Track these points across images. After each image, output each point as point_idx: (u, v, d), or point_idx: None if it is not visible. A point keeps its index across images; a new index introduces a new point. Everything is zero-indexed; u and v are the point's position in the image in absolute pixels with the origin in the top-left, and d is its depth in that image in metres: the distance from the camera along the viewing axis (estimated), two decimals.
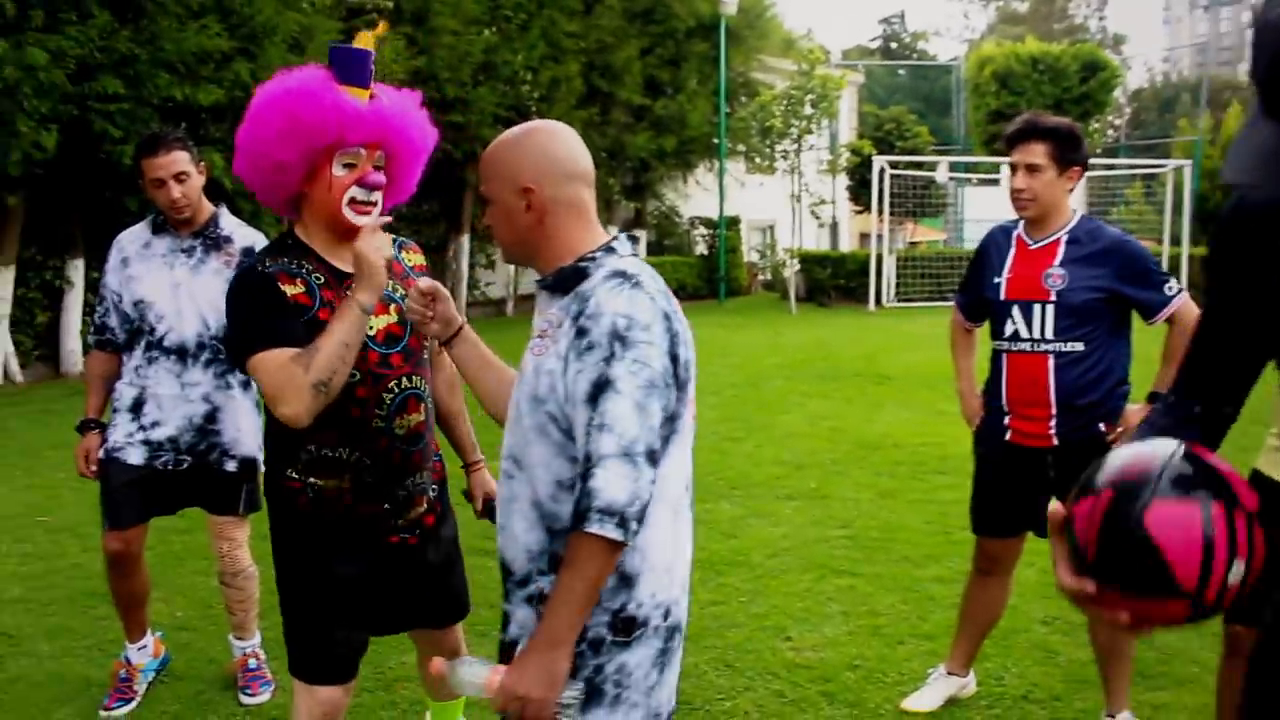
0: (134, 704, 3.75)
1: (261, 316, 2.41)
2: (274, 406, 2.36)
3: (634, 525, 1.82)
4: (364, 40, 2.55)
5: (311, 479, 2.54)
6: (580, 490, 1.83)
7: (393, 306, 2.57)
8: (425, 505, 2.68)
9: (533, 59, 16.48)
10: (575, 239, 2.05)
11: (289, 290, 2.44)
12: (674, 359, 1.93)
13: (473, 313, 18.36)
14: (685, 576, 2.10)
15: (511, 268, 19.27)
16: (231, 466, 3.72)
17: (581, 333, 1.89)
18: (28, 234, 11.52)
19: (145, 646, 3.90)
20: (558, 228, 2.04)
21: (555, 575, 1.91)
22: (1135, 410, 3.36)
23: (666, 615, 2.02)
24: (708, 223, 22.95)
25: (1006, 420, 3.47)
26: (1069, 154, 3.33)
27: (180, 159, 3.60)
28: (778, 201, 22.59)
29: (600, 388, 1.84)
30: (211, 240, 3.74)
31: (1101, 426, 3.33)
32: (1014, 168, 3.39)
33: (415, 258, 2.75)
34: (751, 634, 4.35)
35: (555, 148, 2.08)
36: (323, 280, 2.50)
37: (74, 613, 4.68)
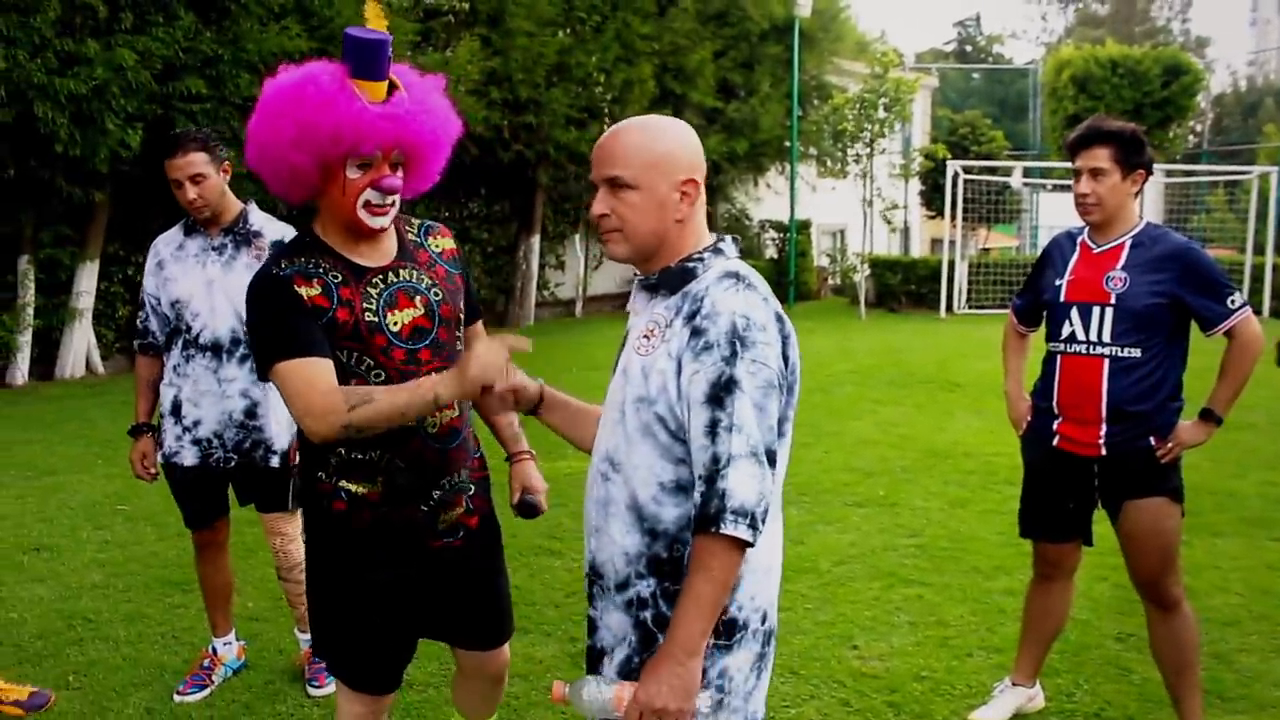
0: (208, 692, 3.84)
1: (281, 323, 2.31)
2: (298, 417, 2.28)
3: (761, 526, 1.81)
4: (375, 19, 2.38)
5: (343, 483, 2.43)
6: (708, 491, 1.80)
7: (418, 298, 2.46)
8: (465, 506, 2.56)
9: (606, 60, 16.53)
10: (694, 237, 2.03)
11: (305, 293, 2.34)
12: (785, 360, 1.94)
13: (541, 313, 18.45)
14: (779, 580, 2.08)
15: (580, 269, 19.36)
16: (275, 462, 3.75)
17: (698, 333, 1.87)
18: (111, 230, 11.82)
19: (230, 643, 4.01)
20: (693, 225, 2.03)
21: (655, 579, 1.91)
22: (1187, 426, 3.30)
23: (764, 619, 2.00)
24: (778, 226, 22.83)
25: (1056, 425, 3.42)
26: (1133, 157, 3.28)
27: (196, 160, 3.62)
28: (849, 205, 22.39)
29: (722, 388, 1.83)
30: (242, 236, 3.75)
31: (1152, 440, 3.26)
32: (1077, 173, 3.34)
33: (444, 242, 2.63)
34: (817, 641, 4.32)
35: (698, 143, 2.06)
36: (340, 279, 2.39)
37: (150, 599, 4.79)
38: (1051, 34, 66.57)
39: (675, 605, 1.84)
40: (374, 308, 2.40)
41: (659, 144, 1.99)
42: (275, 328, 2.32)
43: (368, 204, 2.37)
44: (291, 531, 3.84)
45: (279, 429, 3.74)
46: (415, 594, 2.53)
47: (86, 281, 11.61)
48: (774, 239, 23.06)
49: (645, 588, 1.94)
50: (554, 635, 4.39)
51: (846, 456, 7.69)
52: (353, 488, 2.43)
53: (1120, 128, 3.31)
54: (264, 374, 2.36)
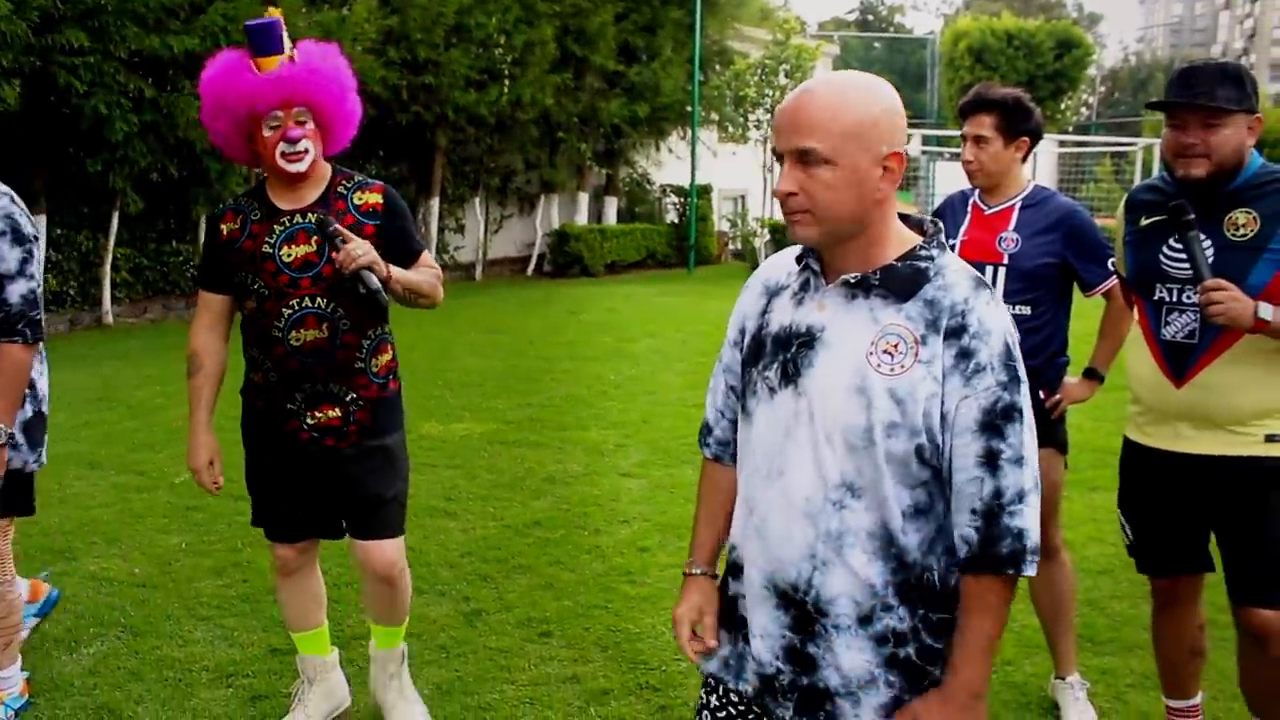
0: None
1: (205, 254, 3.21)
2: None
3: None
4: (273, 11, 3.01)
5: (249, 373, 3.13)
6: (994, 529, 1.69)
7: (314, 239, 2.97)
8: (340, 413, 3.04)
9: (506, 22, 16.32)
10: (891, 222, 1.79)
11: (225, 227, 3.06)
12: None
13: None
14: None
15: (480, 232, 19.17)
16: (16, 463, 3.28)
17: (967, 354, 1.69)
18: None
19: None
20: (888, 207, 1.77)
21: (908, 608, 1.76)
22: (1073, 383, 3.44)
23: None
24: (679, 191, 22.88)
25: None
26: (1016, 125, 3.37)
27: None
28: (750, 171, 22.58)
29: (1000, 415, 1.68)
30: None
31: (1041, 394, 3.38)
32: (964, 139, 3.43)
33: (370, 197, 3.08)
34: None
35: (901, 107, 1.77)
36: (259, 216, 3.03)
37: (32, 568, 4.65)
38: (950, 5, 67.74)
39: (962, 648, 1.73)
40: (273, 241, 2.99)
41: (859, 109, 1.69)
42: (203, 257, 3.22)
43: (283, 154, 2.93)
44: None
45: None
46: (292, 471, 3.13)
47: None
48: (675, 203, 23.11)
49: (899, 620, 1.77)
50: (448, 595, 4.39)
51: None
52: (252, 377, 3.13)
53: (1003, 95, 3.39)
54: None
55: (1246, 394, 2.74)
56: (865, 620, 1.77)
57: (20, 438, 3.27)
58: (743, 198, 25.63)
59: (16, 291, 3.04)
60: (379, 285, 2.88)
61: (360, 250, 2.84)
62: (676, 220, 22.85)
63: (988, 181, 3.43)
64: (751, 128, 20.70)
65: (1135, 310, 3.02)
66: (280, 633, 4.00)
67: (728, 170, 23.53)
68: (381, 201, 3.07)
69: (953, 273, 1.75)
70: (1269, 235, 2.68)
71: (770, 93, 19.88)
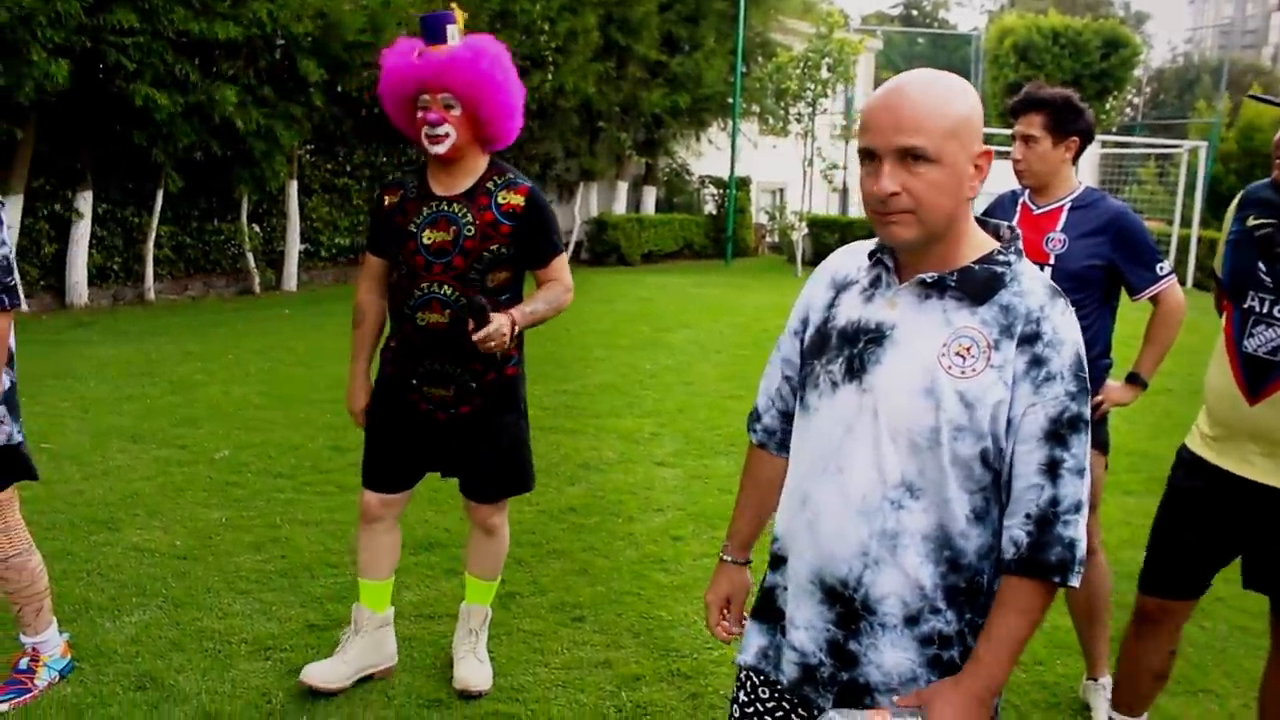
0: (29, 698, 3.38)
1: (371, 223, 3.54)
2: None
3: None
4: (452, 6, 3.31)
5: (389, 337, 3.43)
6: (1046, 536, 1.69)
7: (451, 228, 3.23)
8: (454, 393, 3.30)
9: (551, 9, 16.32)
10: (969, 224, 1.79)
11: (387, 200, 3.39)
12: None
13: None
14: None
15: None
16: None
17: (1039, 362, 1.69)
18: (36, 165, 11.50)
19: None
20: (970, 209, 1.78)
21: (955, 612, 1.77)
22: (1116, 386, 3.42)
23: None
24: (718, 182, 22.83)
25: None
26: (1065, 124, 3.35)
27: None
28: (790, 164, 22.45)
29: (1066, 425, 1.69)
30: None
31: None
32: (1014, 138, 3.42)
33: (512, 198, 3.28)
34: (753, 584, 4.40)
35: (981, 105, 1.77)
36: (416, 195, 3.32)
37: (76, 537, 4.74)
38: (996, 2, 67.04)
39: (989, 643, 1.73)
40: (419, 222, 3.26)
41: (957, 107, 1.69)
42: (370, 222, 3.59)
43: (426, 135, 3.20)
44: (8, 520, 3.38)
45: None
46: (407, 434, 3.41)
47: (10, 217, 11.30)
48: (714, 195, 23.06)
49: (945, 624, 1.77)
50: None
51: None
52: (390, 341, 3.42)
53: (1052, 95, 3.38)
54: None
55: None
56: (912, 621, 1.77)
57: (2, 409, 3.22)
58: (781, 191, 25.54)
59: None
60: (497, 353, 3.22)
61: (493, 341, 3.08)
62: (715, 211, 22.81)
63: (1035, 181, 3.42)
64: (792, 121, 20.58)
65: (1224, 317, 2.90)
66: (318, 608, 4.07)
67: (767, 163, 23.45)
68: (523, 204, 3.28)
69: (1029, 279, 1.75)
70: None
71: (812, 86, 19.75)
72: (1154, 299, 3.38)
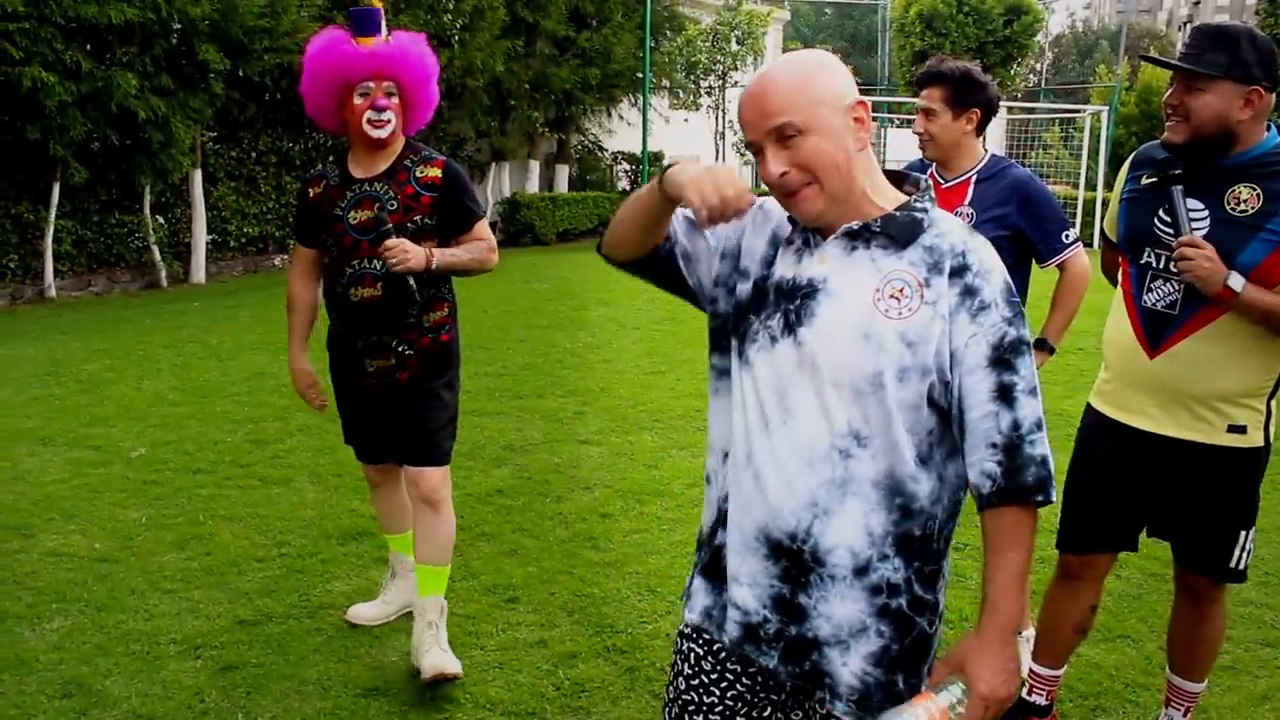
0: None
1: (296, 215, 3.67)
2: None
3: None
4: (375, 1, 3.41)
5: (329, 320, 3.57)
6: (1017, 460, 1.71)
7: (375, 205, 3.35)
8: (394, 361, 3.43)
9: None
10: (874, 178, 1.83)
11: (311, 191, 3.51)
12: None
13: None
14: None
15: None
16: None
17: (971, 292, 1.73)
18: None
19: None
20: (866, 163, 1.81)
21: (904, 559, 1.78)
22: None
23: None
24: (631, 158, 22.83)
25: None
26: (965, 98, 3.41)
27: None
28: (702, 138, 22.57)
29: (1008, 349, 1.72)
30: None
31: None
32: (917, 111, 3.47)
33: (430, 170, 3.43)
34: (673, 560, 4.44)
35: (843, 65, 1.84)
36: (337, 182, 3.44)
37: None
38: None
39: (994, 585, 1.74)
40: (343, 205, 3.40)
41: (811, 75, 1.77)
42: (295, 214, 3.70)
43: (369, 120, 3.34)
44: None
45: None
46: (361, 407, 3.61)
47: None
48: (627, 170, 23.07)
49: (893, 571, 1.79)
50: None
51: (698, 384, 7.83)
52: (331, 324, 3.57)
53: (951, 69, 3.42)
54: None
55: (1217, 374, 2.73)
56: (861, 571, 1.79)
57: None
58: None
59: None
60: (415, 287, 3.35)
61: (395, 259, 3.26)
62: (628, 188, 22.81)
63: (938, 154, 3.48)
64: (703, 94, 20.67)
65: (1120, 273, 2.98)
66: (247, 604, 4.01)
67: (680, 137, 23.48)
68: (440, 175, 3.43)
69: (945, 222, 1.81)
70: (1270, 214, 2.63)
71: (721, 59, 19.86)
72: (1060, 266, 3.46)
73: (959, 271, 1.74)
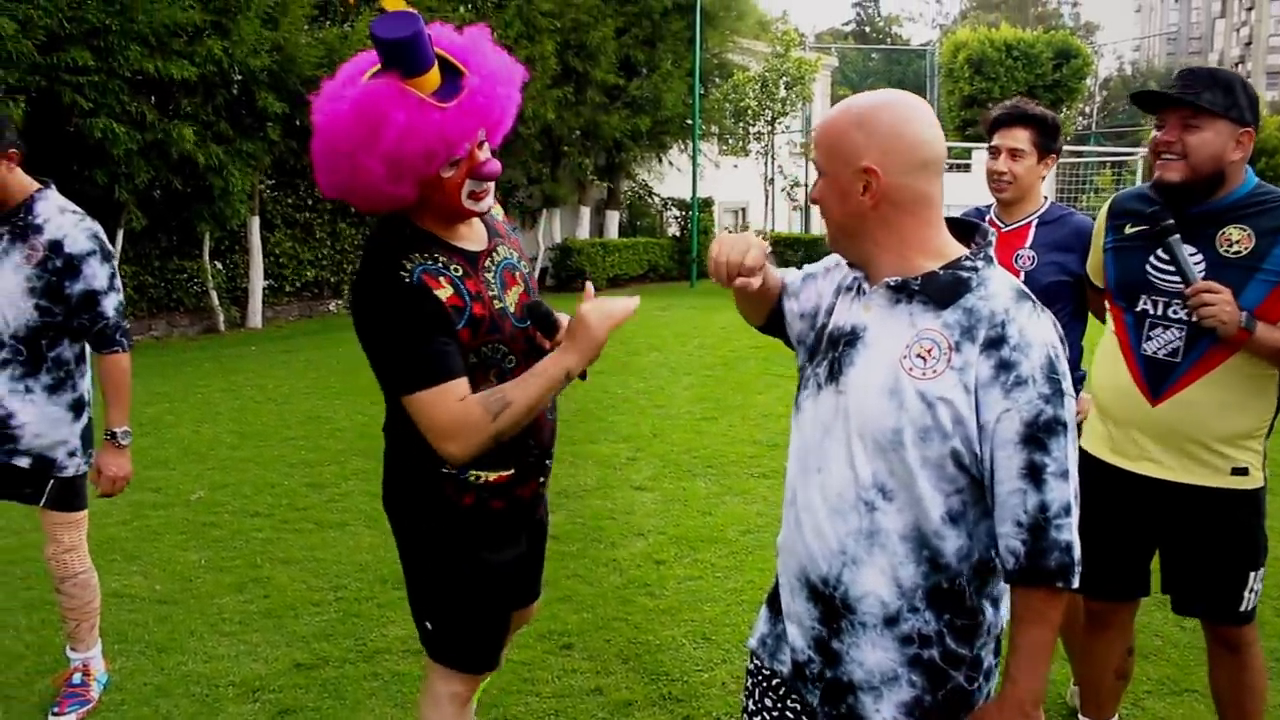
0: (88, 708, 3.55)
1: (423, 343, 2.17)
2: (438, 442, 2.17)
3: None
4: (392, 3, 2.23)
5: (473, 472, 2.37)
6: (1042, 543, 1.70)
7: (517, 274, 2.45)
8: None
9: (508, 37, 16.39)
10: (915, 235, 1.81)
11: (441, 295, 2.21)
12: None
13: None
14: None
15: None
16: (23, 463, 3.43)
17: (1007, 366, 1.70)
18: None
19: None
20: (897, 219, 1.80)
21: (935, 613, 1.79)
22: (1086, 399, 3.46)
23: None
24: (681, 204, 22.95)
25: None
26: (1049, 142, 3.43)
27: None
28: (751, 184, 22.65)
29: (1043, 429, 1.69)
30: (19, 229, 3.34)
31: None
32: (995, 150, 3.46)
33: (498, 211, 2.58)
34: (728, 608, 4.41)
35: (909, 129, 1.78)
36: (460, 271, 2.29)
37: (50, 586, 4.66)
38: (947, 16, 67.95)
39: (1016, 657, 1.76)
40: (496, 293, 2.35)
41: (845, 127, 1.80)
42: (413, 351, 2.17)
43: (471, 193, 2.29)
44: (67, 540, 3.53)
45: (36, 440, 3.45)
46: (525, 566, 2.64)
47: None
48: (677, 217, 23.18)
49: (924, 623, 1.80)
50: None
51: (751, 430, 7.82)
52: (487, 475, 2.38)
53: (1042, 113, 3.45)
54: (396, 395, 2.23)
55: (1221, 418, 2.73)
56: (891, 621, 1.80)
57: (77, 442, 3.61)
58: (744, 210, 25.69)
59: (110, 305, 3.38)
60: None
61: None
62: (678, 234, 22.91)
63: (1015, 194, 3.46)
64: (752, 140, 20.76)
65: (1112, 321, 2.97)
66: (304, 647, 4.03)
67: (729, 183, 23.61)
68: (504, 212, 2.65)
69: (995, 284, 1.78)
70: (1264, 253, 2.64)
71: (771, 105, 19.96)
72: None
73: (995, 343, 1.71)
